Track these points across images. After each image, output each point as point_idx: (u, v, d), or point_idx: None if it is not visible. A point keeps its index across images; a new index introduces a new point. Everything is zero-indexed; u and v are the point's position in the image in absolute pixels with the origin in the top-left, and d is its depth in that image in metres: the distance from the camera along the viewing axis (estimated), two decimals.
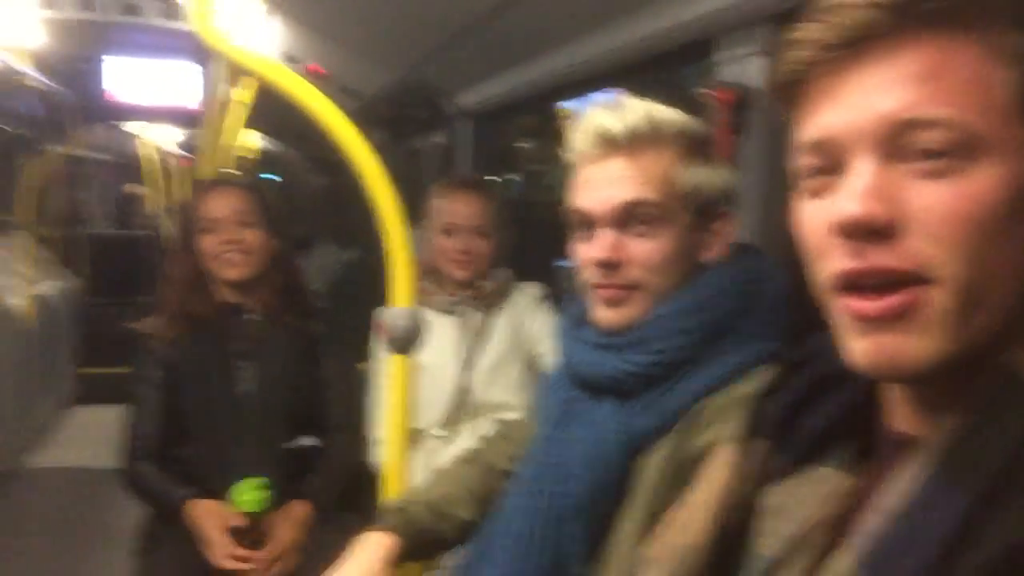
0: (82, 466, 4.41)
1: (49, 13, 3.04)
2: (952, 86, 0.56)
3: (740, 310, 1.06)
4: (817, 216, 0.61)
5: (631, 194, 1.05)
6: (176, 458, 2.00)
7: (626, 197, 1.05)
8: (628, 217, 1.06)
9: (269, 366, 2.00)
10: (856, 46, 0.58)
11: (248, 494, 1.74)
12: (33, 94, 3.59)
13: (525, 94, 2.46)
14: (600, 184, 1.07)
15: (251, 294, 2.03)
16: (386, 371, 1.70)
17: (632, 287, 1.07)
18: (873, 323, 0.57)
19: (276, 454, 1.96)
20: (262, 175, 7.07)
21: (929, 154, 0.56)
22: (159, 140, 8.28)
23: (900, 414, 0.65)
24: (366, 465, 2.09)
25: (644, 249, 1.06)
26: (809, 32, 0.60)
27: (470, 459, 1.39)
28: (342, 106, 1.36)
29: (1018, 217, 0.56)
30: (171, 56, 4.10)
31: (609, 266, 1.07)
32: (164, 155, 8.77)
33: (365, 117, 3.60)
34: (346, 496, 2.05)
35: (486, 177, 2.44)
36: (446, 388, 1.99)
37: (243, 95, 3.46)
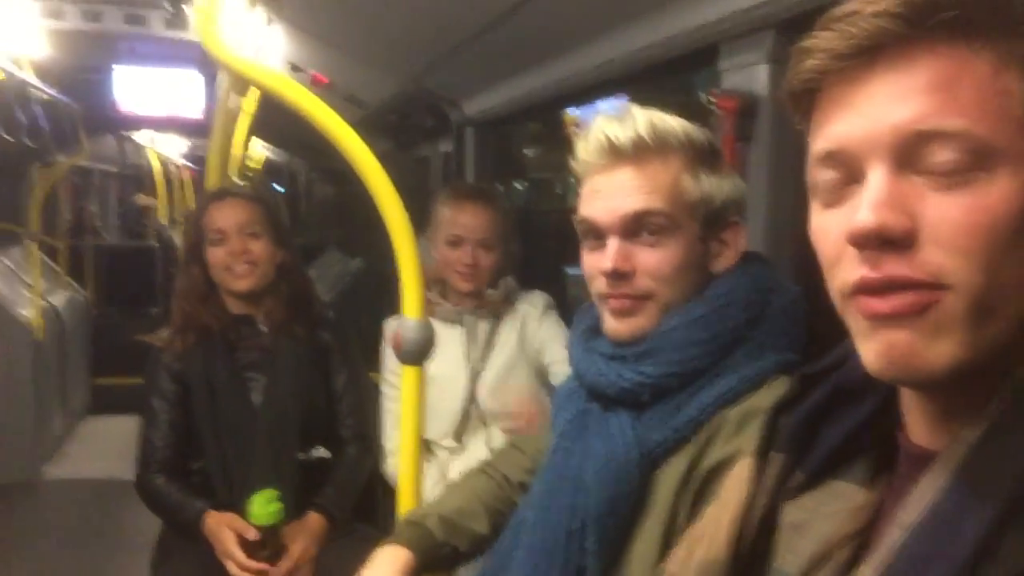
0: (97, 477, 4.45)
1: (54, 24, 3.06)
2: (966, 96, 0.55)
3: (751, 320, 1.05)
4: (832, 226, 0.61)
5: (639, 204, 1.05)
6: (190, 470, 2.02)
7: (635, 207, 1.05)
8: (637, 227, 1.06)
9: (280, 377, 2.00)
10: (869, 55, 0.58)
11: (262, 507, 1.74)
12: (41, 105, 3.61)
13: (530, 102, 2.46)
14: (608, 194, 1.07)
15: (260, 305, 2.04)
16: (396, 382, 1.70)
17: (642, 297, 1.07)
18: (885, 321, 0.57)
19: (289, 466, 1.96)
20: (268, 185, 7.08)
21: (944, 166, 0.56)
22: (167, 151, 8.33)
23: (918, 427, 0.64)
24: (379, 476, 2.09)
25: (653, 259, 1.06)
26: (822, 41, 0.60)
27: (483, 471, 1.39)
28: (347, 115, 1.36)
29: None
30: (178, 66, 4.12)
31: (618, 276, 1.06)
32: (172, 166, 8.83)
33: (370, 126, 3.62)
34: (360, 507, 2.06)
35: (491, 185, 2.43)
36: (455, 398, 1.99)
37: (249, 105, 3.48)
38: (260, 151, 7.57)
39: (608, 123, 1.08)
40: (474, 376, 1.99)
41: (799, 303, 1.10)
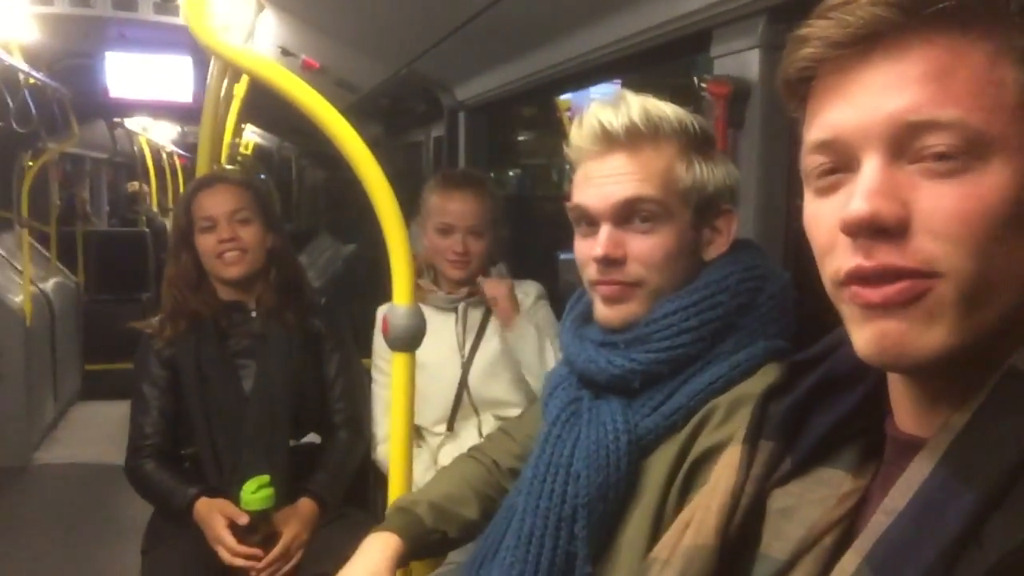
0: (88, 462, 4.46)
1: (43, 8, 3.03)
2: (961, 86, 0.56)
3: (743, 307, 1.06)
4: (825, 214, 0.61)
5: (632, 191, 1.05)
6: (181, 456, 2.02)
7: (627, 194, 1.05)
8: (629, 214, 1.06)
9: (271, 364, 2.00)
10: (865, 44, 0.58)
11: (253, 492, 1.75)
12: (30, 90, 3.58)
13: (523, 87, 2.45)
14: (600, 181, 1.07)
15: (251, 291, 2.03)
16: (387, 368, 1.71)
17: (633, 284, 1.07)
18: (878, 310, 0.57)
19: (280, 452, 1.96)
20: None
21: (938, 155, 0.56)
22: (159, 139, 8.30)
23: (906, 415, 0.65)
24: (371, 462, 2.10)
25: (645, 246, 1.06)
26: (818, 30, 0.60)
27: (473, 457, 1.40)
28: (338, 100, 1.35)
29: None
30: (168, 51, 4.08)
31: (610, 263, 1.07)
32: (163, 153, 8.80)
33: (362, 111, 3.60)
34: (351, 492, 2.06)
35: (483, 172, 2.42)
36: (446, 385, 2.00)
37: (239, 90, 3.46)
38: (250, 136, 7.54)
39: (601, 109, 1.07)
40: (466, 364, 2.00)
41: (789, 290, 1.10)
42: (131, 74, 4.14)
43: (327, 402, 2.08)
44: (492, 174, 2.39)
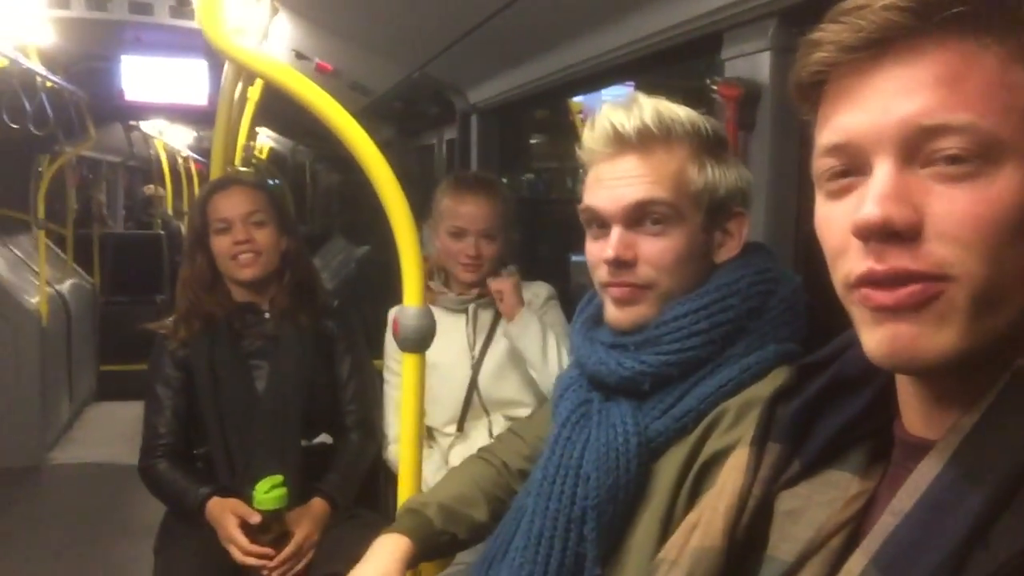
0: (103, 462, 4.49)
1: (60, 12, 3.06)
2: (974, 90, 0.56)
3: (754, 310, 1.05)
4: (837, 217, 0.61)
5: (643, 193, 1.05)
6: (194, 456, 2.03)
7: (638, 196, 1.05)
8: (640, 216, 1.06)
9: (284, 365, 2.01)
10: (878, 48, 0.58)
11: (266, 492, 1.76)
12: (47, 93, 3.61)
13: (535, 90, 2.45)
14: (612, 183, 1.07)
15: (265, 293, 2.05)
16: (398, 369, 1.71)
17: (643, 287, 1.07)
18: (889, 313, 0.58)
19: (292, 452, 1.97)
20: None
21: (950, 159, 0.56)
22: (175, 143, 8.37)
23: (914, 417, 0.65)
24: (382, 462, 2.11)
25: (656, 248, 1.06)
26: (831, 34, 0.60)
27: (483, 458, 1.40)
28: (352, 103, 1.36)
29: None
30: (184, 55, 4.11)
31: (620, 265, 1.07)
32: (179, 158, 8.86)
33: (375, 114, 3.61)
34: (362, 493, 2.07)
35: (495, 175, 2.43)
36: (457, 386, 2.00)
37: (254, 93, 3.47)
38: (265, 141, 7.58)
39: (614, 111, 1.07)
40: (476, 364, 2.00)
41: (800, 293, 1.10)
42: (147, 77, 4.17)
43: (339, 403, 2.09)
44: (505, 180, 2.39)
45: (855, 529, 0.66)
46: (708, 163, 1.08)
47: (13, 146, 4.71)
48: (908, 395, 0.65)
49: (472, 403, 2.00)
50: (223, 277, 2.03)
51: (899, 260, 0.57)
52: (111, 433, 4.94)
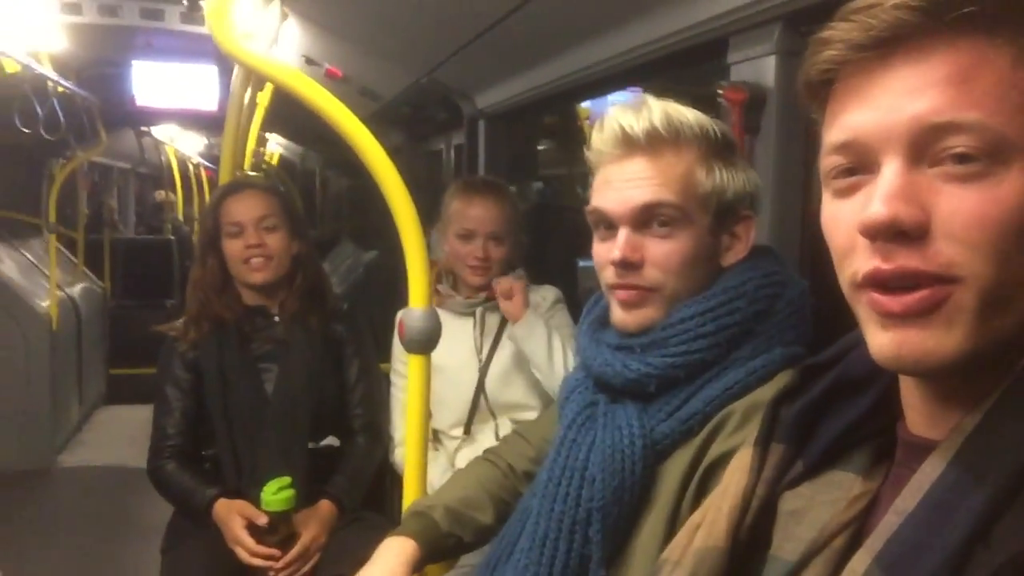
0: (112, 465, 4.51)
1: (72, 18, 3.08)
2: (984, 90, 0.55)
3: (760, 313, 1.05)
4: (845, 216, 0.61)
5: (650, 195, 1.05)
6: (202, 458, 2.04)
7: (646, 198, 1.05)
8: (647, 218, 1.06)
9: (292, 367, 2.02)
10: (888, 47, 0.58)
11: (274, 493, 1.76)
12: (59, 99, 3.64)
13: (542, 95, 2.46)
14: (620, 184, 1.08)
15: (275, 296, 2.06)
16: (405, 371, 1.72)
17: (650, 289, 1.07)
18: (897, 318, 0.57)
19: (299, 454, 1.98)
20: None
21: (959, 158, 0.56)
22: (185, 149, 8.42)
23: (918, 417, 0.65)
24: (388, 465, 2.11)
25: (663, 250, 1.07)
26: (841, 32, 0.60)
27: (488, 459, 1.40)
28: (361, 108, 1.37)
29: None
30: (194, 60, 4.14)
31: (627, 266, 1.07)
32: (190, 164, 8.92)
33: (384, 119, 3.63)
34: (368, 495, 2.08)
35: (504, 181, 2.44)
36: (464, 389, 2.01)
37: (263, 98, 3.49)
38: (275, 148, 7.62)
39: (623, 113, 1.08)
40: (483, 368, 2.00)
41: (807, 297, 1.10)
42: (157, 83, 4.20)
43: (346, 406, 2.10)
44: (513, 188, 2.40)
45: (858, 529, 0.66)
46: (716, 166, 1.08)
47: (25, 151, 4.76)
48: (912, 396, 0.65)
49: (479, 406, 2.01)
50: (234, 280, 2.04)
51: (907, 260, 0.56)
52: (120, 436, 4.96)
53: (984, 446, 0.56)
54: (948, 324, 0.56)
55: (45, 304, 4.63)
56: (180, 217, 9.02)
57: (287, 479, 1.78)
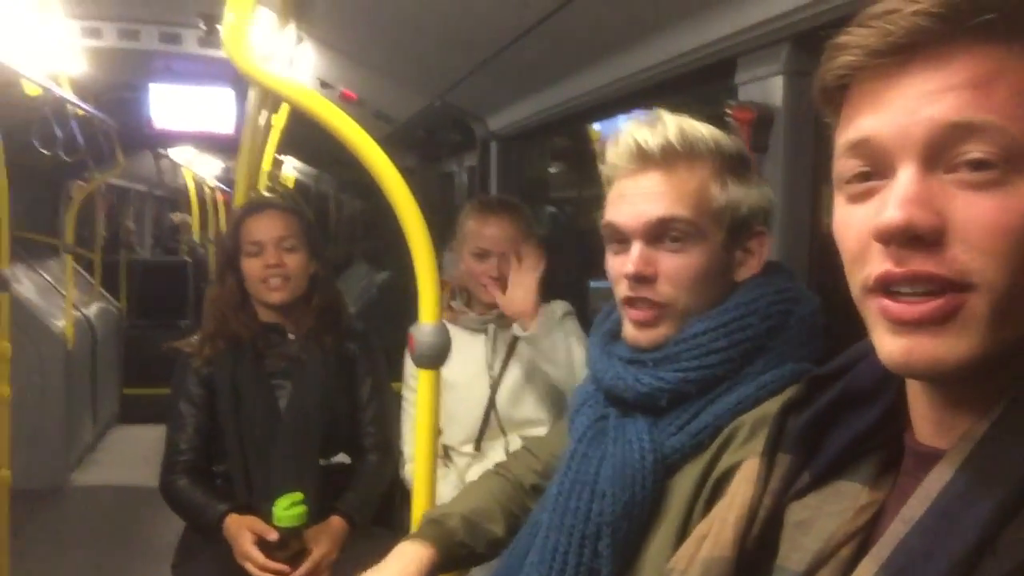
0: (124, 484, 4.52)
1: (92, 42, 3.13)
2: (1002, 96, 0.55)
3: (773, 329, 1.05)
4: (858, 221, 0.61)
5: (664, 210, 1.06)
6: (214, 473, 2.05)
7: (659, 213, 1.06)
8: (660, 232, 1.07)
9: (306, 385, 2.03)
10: (905, 54, 0.58)
11: (285, 509, 1.77)
12: (78, 121, 3.68)
13: (553, 116, 2.49)
14: (634, 199, 1.08)
15: (291, 315, 2.07)
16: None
17: (663, 305, 1.07)
18: (910, 325, 0.57)
19: (311, 471, 1.99)
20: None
21: (975, 165, 0.55)
22: (202, 172, 8.49)
23: (926, 425, 0.65)
24: (398, 481, 2.12)
25: (675, 265, 1.07)
26: (858, 37, 0.59)
27: (499, 473, 1.40)
28: (375, 131, 1.39)
29: None
30: (211, 83, 4.18)
31: (640, 280, 1.07)
32: (206, 187, 8.99)
33: (398, 141, 3.66)
34: (378, 512, 2.08)
35: (515, 198, 2.46)
36: (475, 405, 2.01)
37: (279, 121, 3.53)
38: (290, 172, 7.68)
39: (638, 128, 1.08)
40: (495, 383, 2.01)
41: (819, 314, 1.09)
42: (174, 106, 4.24)
43: (358, 424, 2.11)
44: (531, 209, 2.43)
45: (865, 539, 0.65)
46: (730, 181, 1.08)
47: (44, 172, 4.81)
48: (920, 403, 0.65)
49: (489, 422, 2.01)
50: (251, 298, 2.06)
51: (922, 265, 0.56)
52: (133, 456, 4.98)
53: (992, 454, 0.56)
54: (960, 332, 0.56)
55: (61, 324, 4.66)
56: (196, 239, 9.10)
57: (299, 495, 1.79)
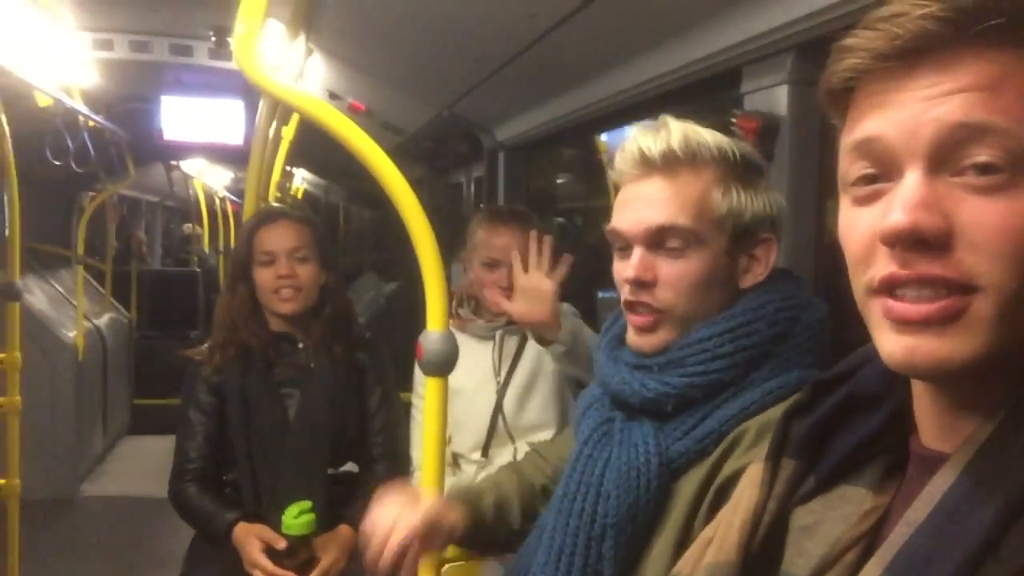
0: (134, 495, 4.53)
1: (103, 54, 3.16)
2: (1010, 100, 0.55)
3: (779, 336, 1.05)
4: (863, 224, 0.61)
5: (663, 218, 1.07)
6: (224, 481, 2.06)
7: (658, 221, 1.07)
8: (660, 239, 1.08)
9: (315, 394, 2.04)
10: (912, 57, 0.58)
11: (294, 517, 1.77)
12: (89, 132, 3.71)
13: (559, 126, 2.50)
14: (636, 205, 1.09)
15: (302, 324, 2.08)
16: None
17: (662, 311, 1.08)
18: (914, 325, 0.57)
19: (319, 480, 1.99)
20: None
21: (981, 168, 0.55)
22: (213, 184, 8.54)
23: (931, 429, 0.65)
24: None
25: (675, 271, 1.08)
26: (865, 40, 0.59)
27: (514, 470, 1.41)
28: (383, 142, 1.39)
29: None
30: (222, 95, 4.21)
31: (640, 285, 1.08)
32: (216, 198, 9.05)
33: (406, 152, 3.68)
34: None
35: (525, 206, 2.47)
36: (482, 412, 2.02)
37: (288, 132, 3.55)
38: (299, 183, 7.72)
39: (643, 134, 1.09)
40: (501, 390, 2.02)
41: (827, 321, 1.10)
42: (185, 117, 4.27)
43: (367, 434, 2.11)
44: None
45: (869, 544, 0.65)
46: (734, 188, 1.08)
47: (55, 183, 4.84)
48: (924, 406, 0.65)
49: (497, 429, 2.01)
50: (262, 307, 2.06)
51: (928, 268, 0.56)
52: (143, 467, 4.99)
53: (996, 457, 0.56)
54: (965, 333, 0.56)
55: (72, 334, 4.69)
56: (206, 250, 9.15)
57: (308, 503, 1.79)
